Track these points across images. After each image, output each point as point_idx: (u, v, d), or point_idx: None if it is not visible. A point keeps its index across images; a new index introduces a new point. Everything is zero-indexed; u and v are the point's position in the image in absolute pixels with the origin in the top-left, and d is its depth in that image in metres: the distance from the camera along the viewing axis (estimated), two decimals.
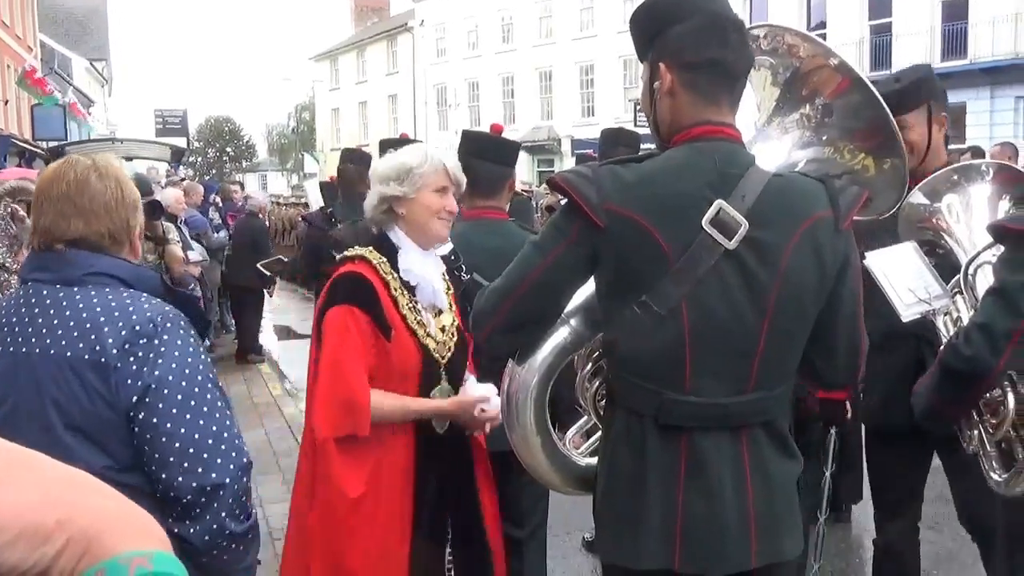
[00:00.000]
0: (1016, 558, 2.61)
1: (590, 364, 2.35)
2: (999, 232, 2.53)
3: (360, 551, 2.68)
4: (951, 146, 12.84)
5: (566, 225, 2.02)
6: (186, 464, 1.94)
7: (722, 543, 2.00)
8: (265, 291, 11.01)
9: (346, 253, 2.90)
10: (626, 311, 1.99)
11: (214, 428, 1.98)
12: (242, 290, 11.05)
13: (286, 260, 10.01)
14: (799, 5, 28.40)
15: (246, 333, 11.25)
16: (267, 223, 16.46)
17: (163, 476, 1.94)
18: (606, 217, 1.94)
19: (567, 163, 30.27)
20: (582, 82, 36.74)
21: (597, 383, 2.33)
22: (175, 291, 2.41)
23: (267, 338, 13.63)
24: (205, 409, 1.99)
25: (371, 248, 2.86)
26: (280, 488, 6.55)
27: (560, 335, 2.22)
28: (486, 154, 3.51)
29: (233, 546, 2.01)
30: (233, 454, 1.99)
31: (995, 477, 2.54)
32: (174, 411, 1.95)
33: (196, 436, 1.96)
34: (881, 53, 26.13)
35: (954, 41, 24.52)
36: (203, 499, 1.95)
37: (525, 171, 33.13)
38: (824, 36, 26.98)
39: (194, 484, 1.94)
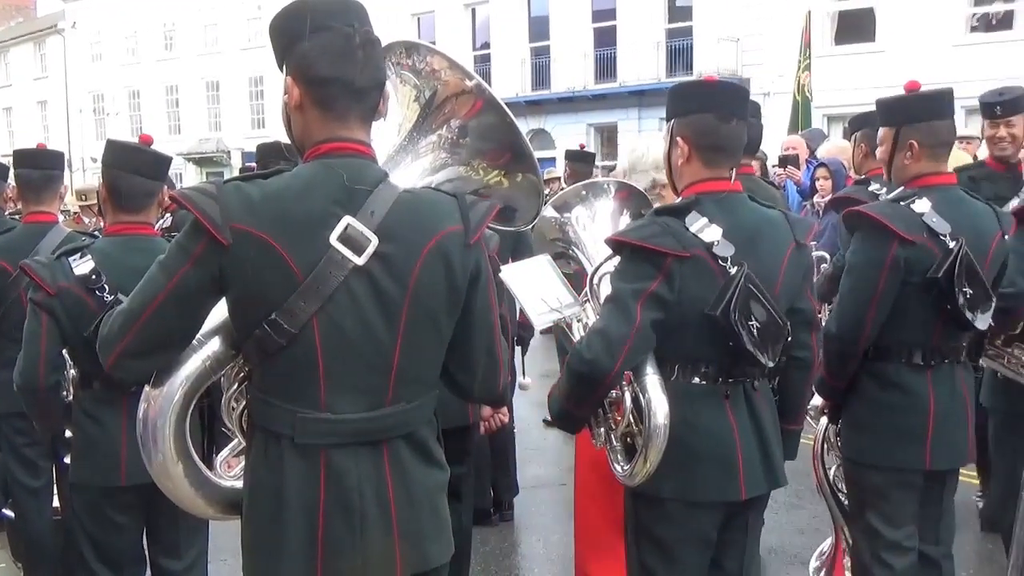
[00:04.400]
0: (642, 548, 2.82)
1: (236, 385, 2.28)
2: (614, 244, 2.75)
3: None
4: (604, 162, 13.80)
5: (190, 244, 1.95)
6: None
7: (364, 559, 2.02)
8: None
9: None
10: (257, 330, 1.96)
11: None
12: None
13: None
14: (466, 26, 29.41)
15: None
16: None
17: None
18: (231, 235, 1.90)
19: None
20: (252, 93, 35.83)
21: (243, 404, 2.27)
22: None
23: None
24: None
25: None
26: None
27: (199, 357, 2.13)
28: (132, 166, 3.31)
29: None
30: None
31: (619, 469, 2.75)
32: None
33: None
34: (541, 74, 27.62)
35: (605, 65, 26.37)
36: None
37: (193, 183, 31.73)
38: (489, 56, 28.16)
39: None
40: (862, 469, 3.30)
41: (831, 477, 3.64)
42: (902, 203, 3.12)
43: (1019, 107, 4.76)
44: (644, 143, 3.63)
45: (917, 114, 3.19)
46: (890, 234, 3.05)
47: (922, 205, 3.07)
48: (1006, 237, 3.25)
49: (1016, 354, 3.66)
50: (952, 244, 3.01)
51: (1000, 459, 4.05)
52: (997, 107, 4.78)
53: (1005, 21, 20.06)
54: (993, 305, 3.08)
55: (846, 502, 3.57)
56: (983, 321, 3.07)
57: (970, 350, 3.30)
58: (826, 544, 4.03)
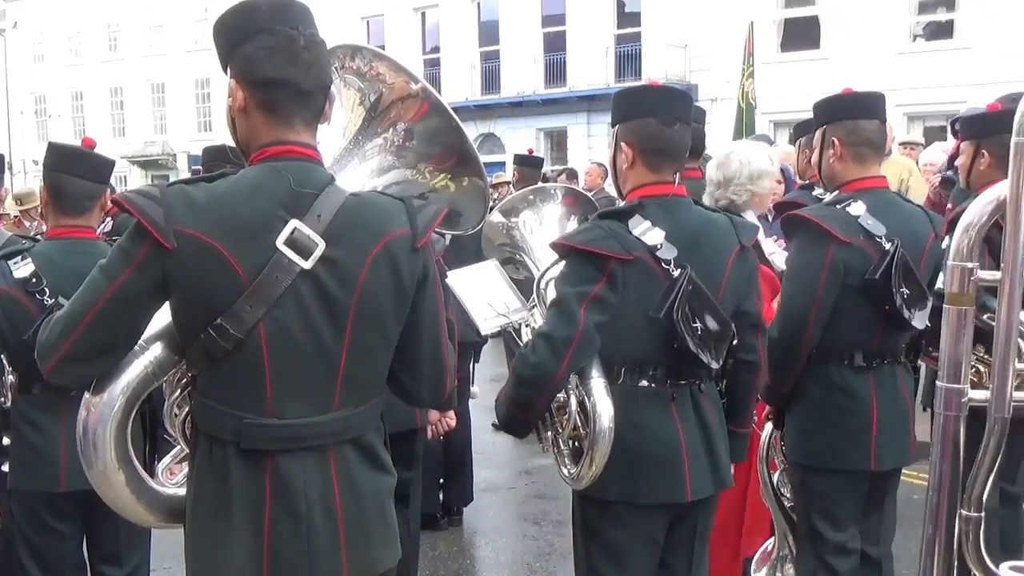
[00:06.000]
0: (590, 551, 2.84)
1: (179, 390, 2.26)
2: (559, 248, 2.76)
3: None
4: (553, 167, 14.04)
5: (133, 248, 1.93)
6: None
7: (311, 564, 2.01)
8: None
9: None
10: (202, 335, 1.94)
11: None
12: None
13: None
14: (416, 30, 29.32)
15: None
16: None
17: None
18: (175, 239, 1.88)
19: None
20: (198, 96, 35.41)
21: (186, 409, 2.24)
22: None
23: None
24: None
25: None
26: None
27: (141, 363, 2.10)
28: (74, 169, 3.27)
29: None
30: None
31: (565, 472, 2.76)
32: None
33: None
34: (491, 78, 27.63)
35: (555, 70, 26.46)
36: None
37: (138, 186, 31.23)
38: (439, 60, 28.10)
39: None
40: (808, 472, 3.32)
41: (775, 483, 3.67)
42: (838, 206, 3.18)
43: None
44: (740, 154, 3.57)
45: (842, 112, 3.26)
46: (827, 236, 3.09)
47: (857, 208, 3.13)
48: (939, 239, 3.32)
49: None
50: (888, 245, 3.06)
51: None
52: None
53: (946, 30, 20.48)
54: (929, 304, 3.14)
55: (790, 507, 3.60)
56: (920, 319, 3.12)
57: (908, 351, 3.36)
58: (769, 543, 4.07)
